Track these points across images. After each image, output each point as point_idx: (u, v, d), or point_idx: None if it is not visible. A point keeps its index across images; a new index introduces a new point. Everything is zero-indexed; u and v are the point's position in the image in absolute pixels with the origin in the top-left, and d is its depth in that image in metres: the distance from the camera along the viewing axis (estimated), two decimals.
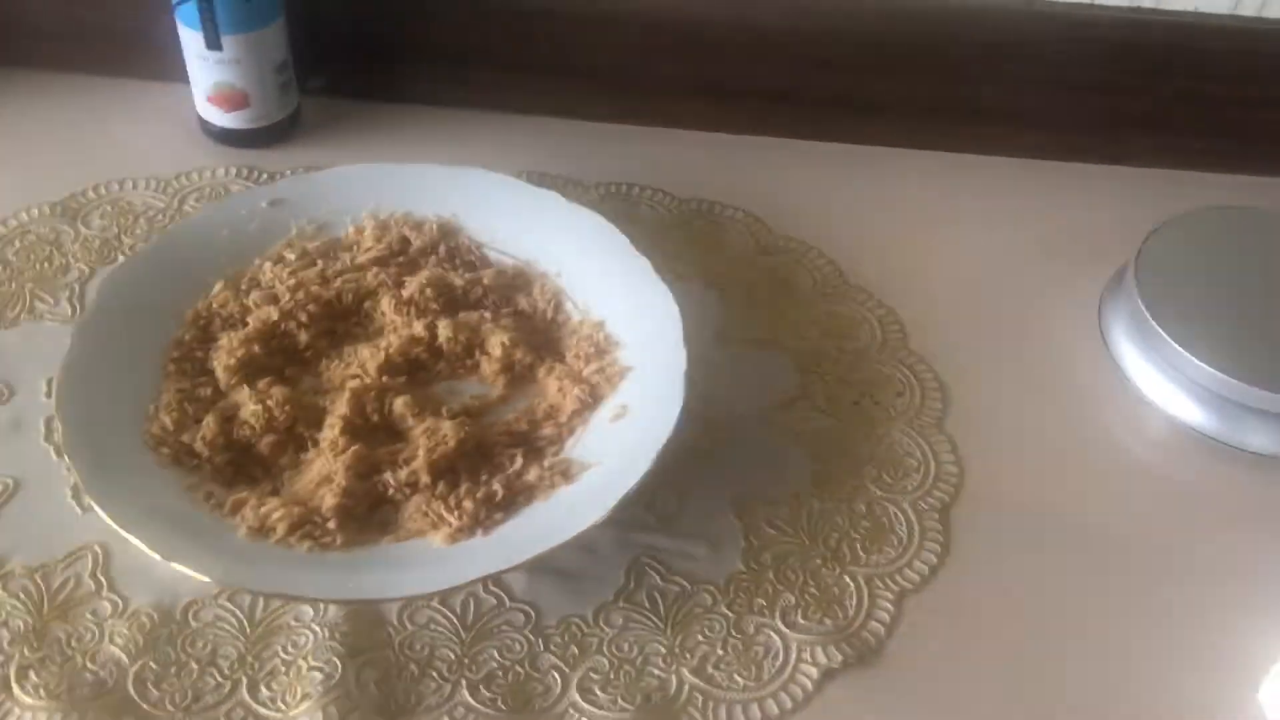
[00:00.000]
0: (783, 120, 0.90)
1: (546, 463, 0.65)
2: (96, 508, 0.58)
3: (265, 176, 0.84)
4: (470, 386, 0.71)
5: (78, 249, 0.78)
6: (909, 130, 0.90)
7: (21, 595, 0.60)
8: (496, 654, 0.60)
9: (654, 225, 0.83)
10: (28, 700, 0.56)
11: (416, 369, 0.70)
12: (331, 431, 0.64)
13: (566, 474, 0.64)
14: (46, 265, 0.76)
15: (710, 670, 0.60)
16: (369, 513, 0.62)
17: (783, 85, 0.89)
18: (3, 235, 0.78)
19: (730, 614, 0.62)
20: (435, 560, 0.60)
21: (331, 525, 0.60)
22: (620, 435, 0.66)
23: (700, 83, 0.89)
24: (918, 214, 0.87)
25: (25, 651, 0.58)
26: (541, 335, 0.73)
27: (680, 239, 0.83)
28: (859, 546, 0.66)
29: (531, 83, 0.91)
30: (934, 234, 0.85)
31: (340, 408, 0.66)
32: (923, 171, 0.90)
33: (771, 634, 0.61)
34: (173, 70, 0.86)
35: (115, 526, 0.57)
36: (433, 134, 0.90)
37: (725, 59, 0.88)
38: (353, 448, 0.63)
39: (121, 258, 0.77)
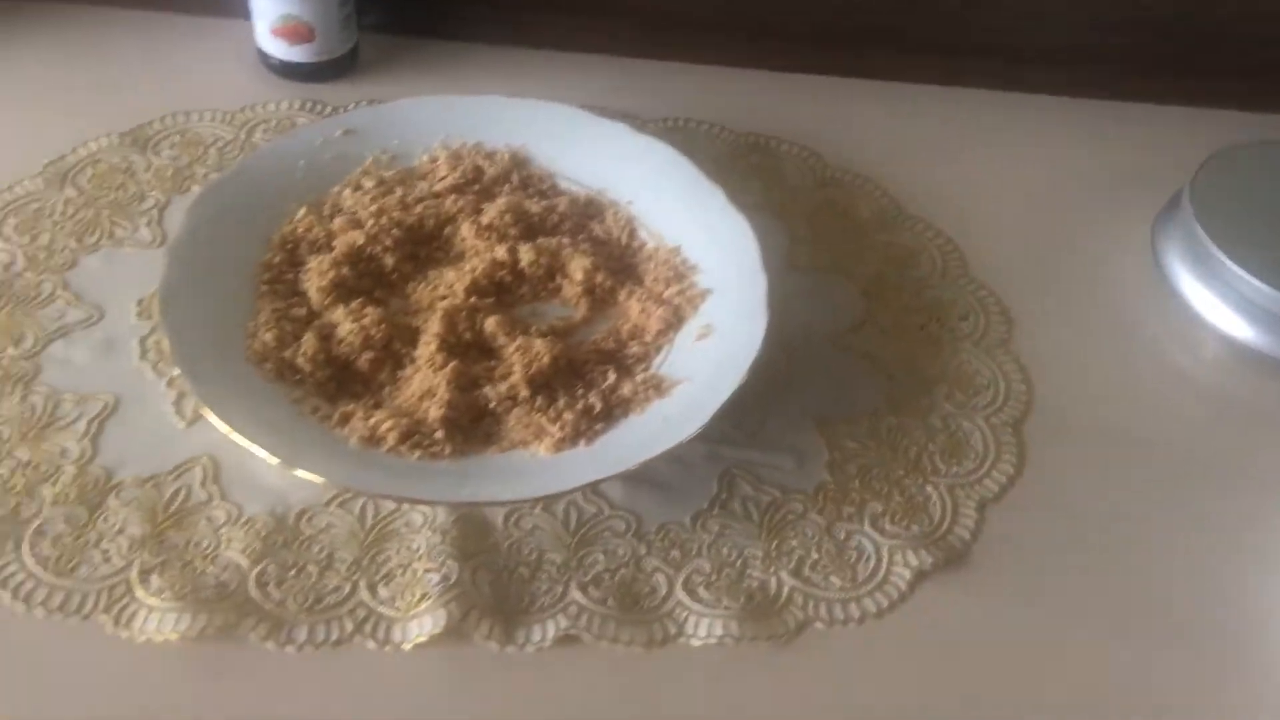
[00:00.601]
0: (832, 58, 0.92)
1: (639, 378, 0.67)
2: (213, 418, 0.59)
3: (329, 110, 0.85)
4: (553, 309, 0.72)
5: (150, 178, 0.78)
6: (956, 68, 0.92)
7: (135, 504, 0.61)
8: (602, 557, 0.62)
9: (713, 158, 0.85)
10: (153, 601, 0.57)
11: (501, 291, 0.72)
12: (428, 348, 0.66)
13: (659, 388, 0.66)
14: (121, 193, 0.77)
15: (807, 572, 0.62)
16: (472, 425, 0.64)
17: (830, 22, 0.91)
18: (74, 163, 0.78)
19: (821, 520, 0.64)
20: (542, 469, 0.62)
21: (439, 435, 0.62)
22: (707, 353, 0.68)
23: (751, 21, 0.91)
24: (969, 149, 0.89)
25: (145, 556, 0.59)
26: (618, 260, 0.75)
27: (740, 171, 0.85)
28: (937, 459, 0.68)
29: (583, 21, 0.92)
30: (986, 168, 0.88)
31: (434, 326, 0.67)
32: (971, 109, 0.93)
33: (862, 539, 0.64)
34: (229, 5, 0.87)
35: (234, 435, 0.58)
36: (486, 71, 0.91)
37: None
38: (452, 363, 0.65)
39: (195, 186, 0.78)
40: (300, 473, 0.58)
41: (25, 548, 0.58)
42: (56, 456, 0.62)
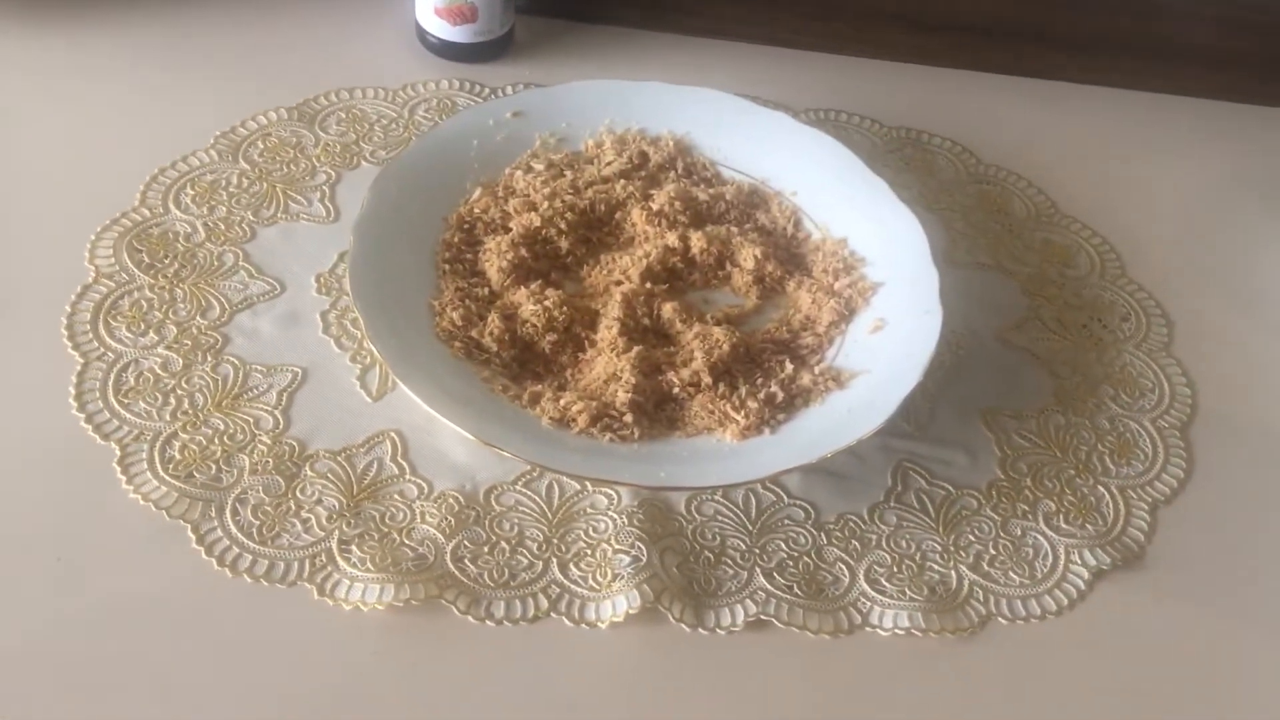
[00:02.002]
0: (984, 54, 0.92)
1: (817, 369, 0.67)
2: (413, 396, 0.60)
3: (488, 91, 0.86)
4: (723, 296, 0.73)
5: (320, 153, 0.80)
6: (1112, 66, 0.92)
7: (330, 476, 0.62)
8: (784, 545, 0.62)
9: (866, 150, 0.85)
10: (355, 572, 0.58)
11: (673, 277, 0.72)
12: (609, 332, 0.67)
13: (838, 380, 0.67)
14: (293, 167, 0.78)
15: (986, 567, 0.63)
16: (656, 409, 0.65)
17: (984, 19, 0.91)
18: (246, 136, 0.80)
19: (996, 516, 0.65)
20: (731, 455, 0.63)
21: (628, 419, 0.63)
22: (882, 346, 0.68)
23: (904, 14, 0.91)
24: (1123, 149, 0.89)
25: (344, 527, 0.60)
26: (784, 250, 0.75)
27: (894, 164, 0.85)
28: (1107, 459, 0.69)
29: (735, 9, 0.92)
30: (1139, 169, 0.88)
31: (613, 310, 0.68)
32: (1126, 109, 0.92)
33: (1038, 536, 0.64)
34: None
35: (434, 413, 0.60)
36: (635, 56, 0.91)
37: None
38: (635, 348, 0.66)
39: (364, 162, 0.79)
40: (501, 451, 0.59)
41: (228, 515, 0.60)
42: (251, 426, 0.64)
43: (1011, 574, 0.63)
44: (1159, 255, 0.81)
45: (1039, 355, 0.74)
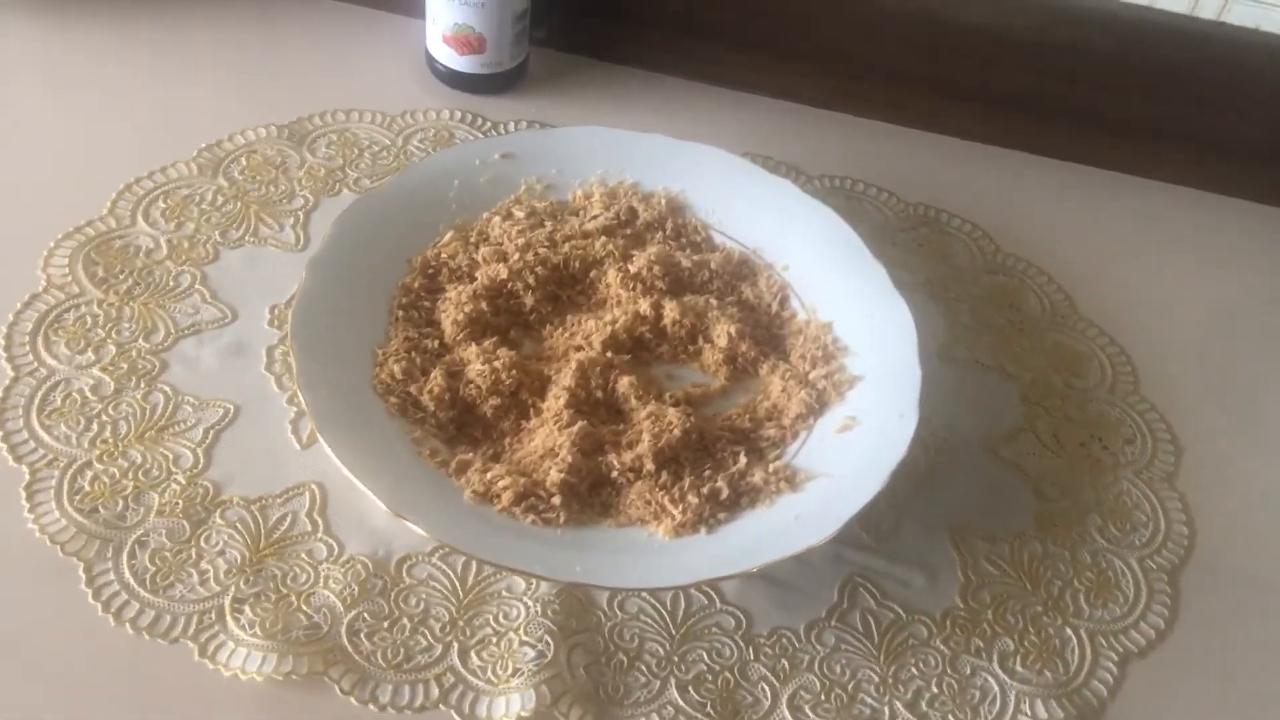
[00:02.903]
0: (1018, 131, 0.86)
1: (771, 467, 0.63)
2: (330, 453, 0.57)
3: (489, 125, 0.83)
4: (689, 373, 0.69)
5: (303, 176, 0.77)
6: (1152, 158, 0.86)
7: (239, 526, 0.59)
8: (706, 656, 0.58)
9: (878, 226, 0.80)
10: (242, 635, 0.55)
11: (639, 348, 0.68)
12: (556, 403, 0.63)
13: (792, 481, 0.62)
14: (272, 188, 0.76)
15: (924, 707, 0.58)
16: (590, 492, 0.61)
17: (1022, 93, 0.85)
18: (230, 152, 0.77)
19: (946, 650, 0.60)
20: (657, 551, 0.58)
21: (556, 501, 0.59)
22: (847, 448, 0.63)
23: (935, 80, 0.86)
24: (1155, 248, 0.83)
25: (241, 585, 0.57)
26: (765, 329, 0.71)
27: (905, 244, 0.80)
28: (1082, 598, 0.63)
29: (758, 61, 0.88)
30: (1171, 272, 0.81)
31: (565, 379, 0.64)
32: (1163, 203, 0.86)
33: (989, 678, 0.59)
34: (407, 2, 0.85)
35: (348, 474, 0.56)
36: (652, 101, 0.87)
37: (964, 58, 0.84)
38: (579, 424, 0.62)
39: (346, 190, 0.77)
40: (407, 524, 0.55)
41: (124, 557, 0.57)
42: (169, 462, 0.61)
43: (951, 718, 0.57)
44: (1178, 373, 0.74)
45: (1027, 472, 0.68)
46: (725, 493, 0.61)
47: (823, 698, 0.57)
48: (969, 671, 0.59)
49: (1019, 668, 0.59)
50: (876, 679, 0.58)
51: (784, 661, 0.58)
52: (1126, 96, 0.83)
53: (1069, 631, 0.61)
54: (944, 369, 0.72)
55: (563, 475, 0.60)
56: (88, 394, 0.63)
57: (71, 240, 0.70)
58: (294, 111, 0.81)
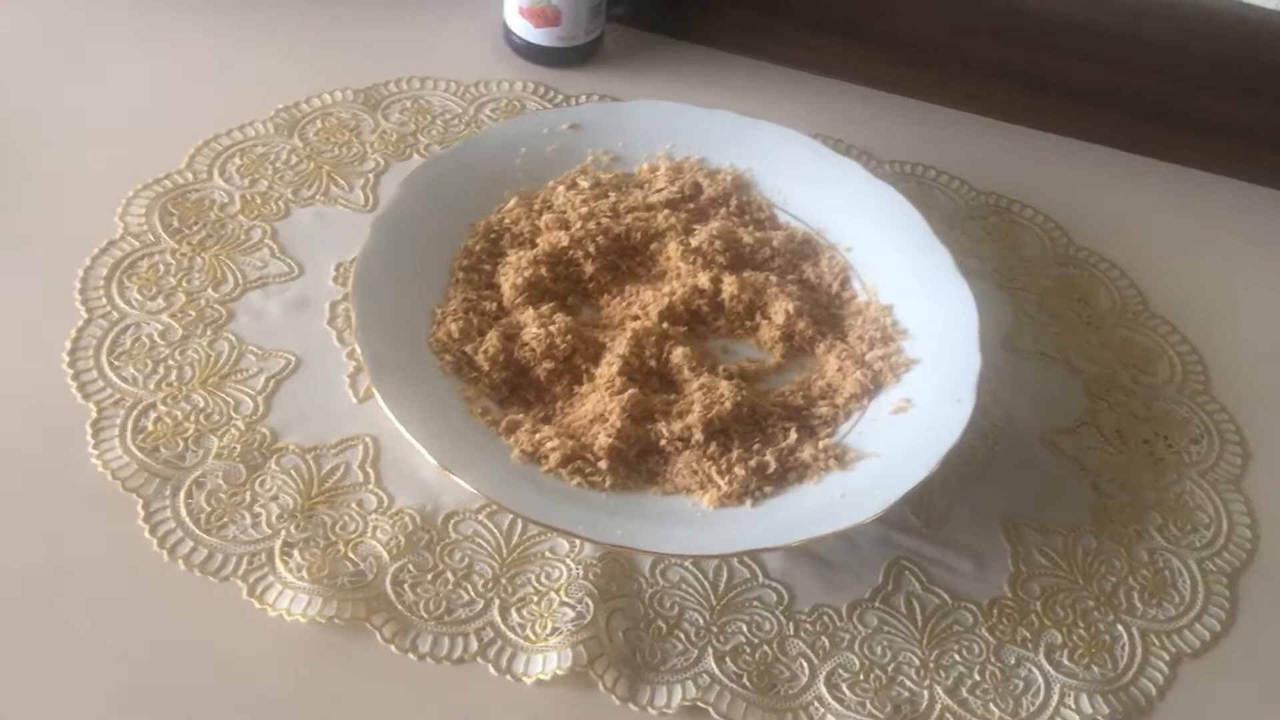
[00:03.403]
0: (1099, 124, 0.84)
1: (821, 444, 0.62)
2: (384, 406, 0.58)
3: (561, 98, 0.83)
4: (745, 348, 0.68)
5: (375, 140, 0.78)
6: (1234, 157, 0.83)
7: (293, 473, 0.60)
8: (745, 628, 0.58)
9: (949, 213, 0.79)
10: (289, 578, 0.56)
11: (696, 321, 0.68)
12: (609, 369, 0.63)
13: (841, 459, 0.61)
14: (345, 150, 0.77)
15: (964, 694, 0.57)
16: (638, 459, 0.61)
17: (1105, 88, 0.83)
18: (307, 113, 0.79)
19: (991, 639, 0.59)
20: (701, 521, 0.58)
21: (602, 465, 0.59)
22: (900, 429, 0.63)
23: (1015, 70, 0.84)
24: (1231, 249, 0.81)
25: (292, 530, 0.58)
26: (824, 309, 0.70)
27: (975, 232, 0.79)
28: (1136, 596, 0.61)
29: (834, 44, 0.87)
30: (1248, 272, 0.79)
31: (620, 347, 0.64)
32: (1243, 204, 0.83)
33: (1033, 669, 0.58)
34: None
35: (400, 428, 0.57)
36: (726, 80, 0.87)
37: (1048, 50, 0.83)
38: (630, 391, 0.62)
39: (417, 155, 0.77)
40: (453, 478, 0.56)
41: (181, 496, 0.59)
42: (230, 409, 0.62)
43: (992, 706, 0.56)
44: (1251, 374, 0.72)
45: (1086, 467, 0.66)
46: (773, 467, 0.60)
47: (861, 677, 0.57)
48: (1013, 661, 0.58)
49: (1065, 661, 0.58)
50: (917, 662, 0.57)
51: (824, 639, 0.58)
52: (1210, 93, 0.81)
53: (1120, 628, 0.60)
54: (1007, 358, 0.71)
55: (611, 440, 0.60)
56: (156, 339, 0.65)
57: (149, 191, 0.72)
58: (371, 77, 0.82)
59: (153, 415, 0.61)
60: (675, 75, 0.87)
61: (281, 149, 0.76)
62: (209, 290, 0.67)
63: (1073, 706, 0.57)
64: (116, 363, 0.63)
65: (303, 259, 0.70)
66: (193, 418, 0.62)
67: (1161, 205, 0.82)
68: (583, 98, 0.83)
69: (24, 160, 0.72)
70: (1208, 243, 0.80)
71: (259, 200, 0.73)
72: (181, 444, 0.61)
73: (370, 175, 0.76)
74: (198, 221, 0.71)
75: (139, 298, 0.66)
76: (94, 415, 0.61)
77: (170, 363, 0.64)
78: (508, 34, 0.85)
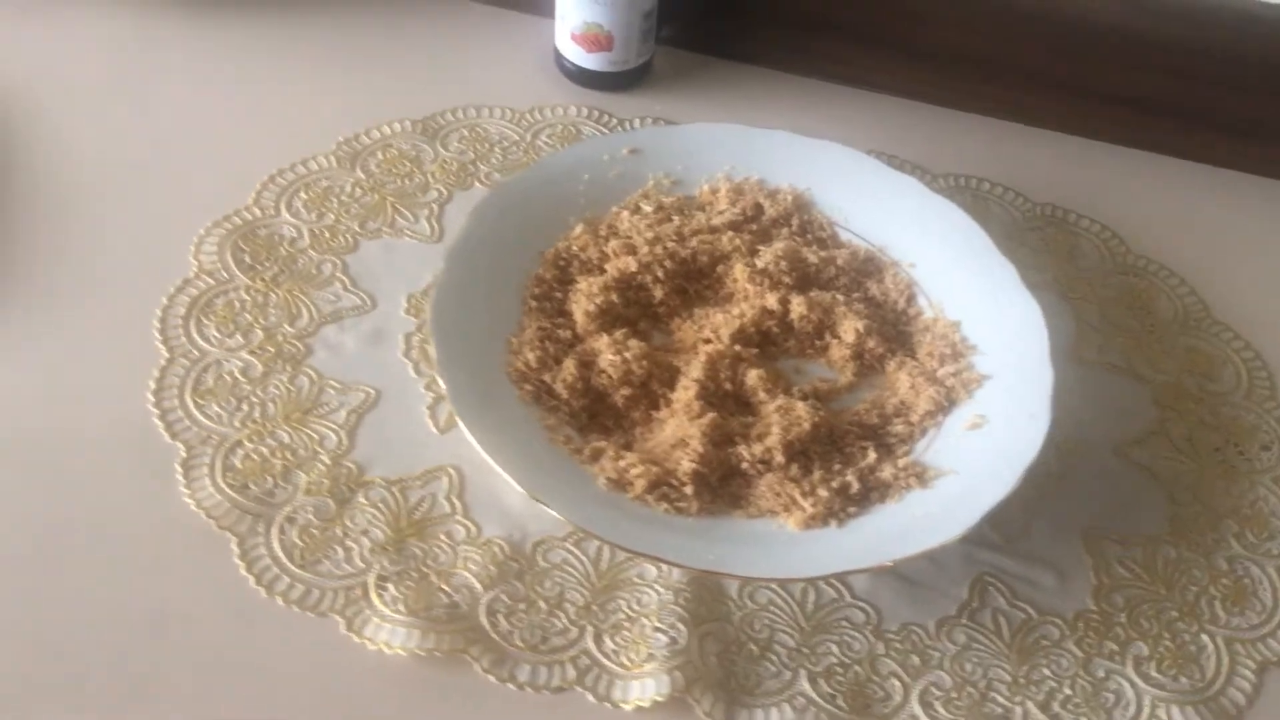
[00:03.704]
0: (1152, 132, 0.85)
1: (900, 462, 0.63)
2: (470, 438, 0.58)
3: (615, 121, 0.84)
4: (816, 368, 0.69)
5: (436, 169, 0.79)
6: None
7: (381, 506, 0.61)
8: (836, 649, 0.58)
9: (1005, 225, 0.80)
10: (386, 611, 0.57)
11: (766, 342, 0.69)
12: (686, 394, 0.64)
13: (921, 478, 0.62)
14: (407, 181, 0.78)
15: (1056, 708, 0.57)
16: (720, 483, 0.62)
17: (1158, 96, 0.83)
18: (367, 145, 0.80)
19: (1079, 652, 0.59)
20: (788, 543, 0.59)
21: (688, 491, 0.60)
22: (977, 446, 0.63)
23: (1066, 81, 0.85)
24: None
25: (384, 563, 0.59)
26: (892, 326, 0.71)
27: (1032, 244, 0.79)
28: (1218, 605, 0.62)
29: (881, 59, 0.88)
30: None
31: (694, 371, 0.65)
32: None
33: (1123, 682, 0.58)
34: (537, 2, 0.87)
35: (487, 458, 0.58)
36: (776, 99, 0.88)
37: (1098, 60, 0.83)
38: (709, 415, 0.62)
39: (478, 184, 0.78)
40: (543, 508, 0.56)
41: (274, 532, 0.59)
42: (315, 443, 0.63)
43: None
44: None
45: (1159, 476, 0.67)
46: (855, 487, 0.61)
47: (954, 695, 0.57)
48: (1102, 675, 0.59)
49: (1154, 673, 0.59)
50: (1008, 678, 0.58)
51: (915, 657, 0.58)
52: (1264, 97, 0.81)
53: (1205, 638, 0.60)
54: (1073, 369, 0.71)
55: (694, 465, 0.60)
56: (238, 376, 0.66)
57: (220, 229, 0.73)
58: (427, 107, 0.83)
59: (240, 453, 0.62)
60: (725, 95, 0.87)
61: (345, 182, 0.77)
62: (285, 326, 0.68)
63: (1165, 718, 0.57)
64: (201, 401, 0.64)
65: (374, 291, 0.71)
66: (279, 454, 0.63)
67: (1218, 211, 0.83)
68: (637, 121, 0.84)
69: (95, 204, 0.73)
70: (1266, 248, 0.81)
71: (327, 234, 0.74)
72: (270, 480, 0.61)
73: (434, 205, 0.77)
74: (269, 257, 0.72)
75: (217, 335, 0.67)
76: (183, 454, 0.62)
77: (253, 399, 0.65)
78: (559, 59, 0.86)
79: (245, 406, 0.64)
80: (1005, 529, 0.63)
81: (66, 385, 0.64)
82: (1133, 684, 0.58)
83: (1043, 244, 0.79)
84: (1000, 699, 0.57)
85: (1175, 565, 0.63)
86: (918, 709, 0.56)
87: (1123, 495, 0.66)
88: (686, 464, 0.60)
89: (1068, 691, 0.58)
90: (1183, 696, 0.58)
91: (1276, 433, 0.70)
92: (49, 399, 0.63)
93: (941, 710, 0.56)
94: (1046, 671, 0.58)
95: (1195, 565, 0.63)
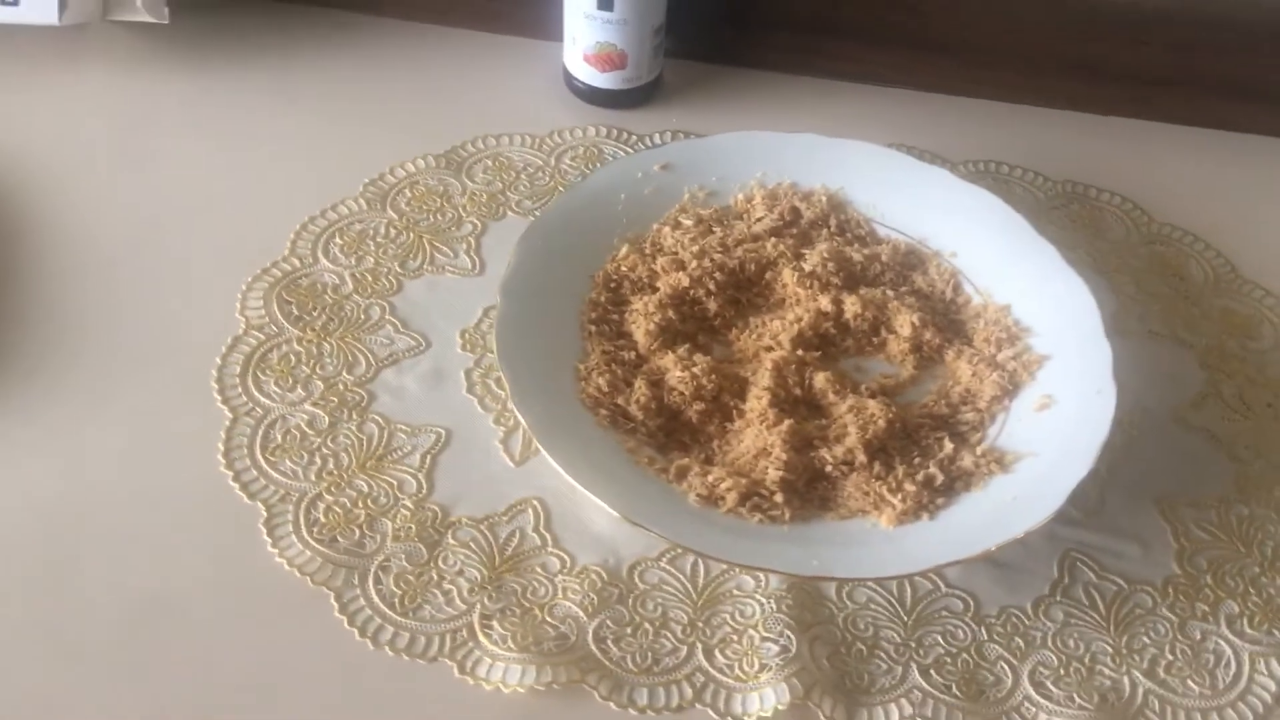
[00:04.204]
0: (1162, 103, 0.87)
1: (978, 450, 0.64)
2: (558, 468, 0.59)
3: (635, 138, 0.84)
4: (876, 364, 0.70)
5: (466, 202, 0.79)
6: None
7: (472, 545, 0.61)
8: (941, 639, 0.59)
9: (1029, 206, 0.81)
10: (496, 650, 0.57)
11: (825, 344, 0.70)
12: (759, 403, 0.64)
13: (1001, 463, 0.63)
14: (439, 216, 0.78)
15: (1162, 674, 0.58)
16: (807, 488, 0.62)
17: (1164, 68, 0.85)
18: (394, 184, 0.79)
19: (1173, 617, 0.60)
20: (885, 541, 0.60)
21: (779, 499, 0.60)
22: (1049, 426, 0.64)
23: (1074, 60, 0.86)
24: None
25: (485, 601, 0.59)
26: (943, 316, 0.72)
27: (1058, 222, 0.80)
28: None
29: (889, 54, 0.89)
30: None
31: (763, 379, 0.65)
32: None
33: (1220, 641, 0.60)
34: (540, 26, 0.87)
35: (579, 487, 0.58)
36: (787, 102, 0.89)
37: (1103, 37, 0.85)
38: (786, 422, 0.63)
39: (510, 213, 0.78)
40: (650, 531, 0.57)
41: (370, 582, 0.59)
42: (394, 489, 0.63)
43: (1190, 683, 0.58)
44: None
45: (1219, 437, 0.68)
46: (939, 478, 0.62)
47: (1062, 672, 0.58)
48: (1199, 636, 0.60)
49: (1247, 629, 0.60)
50: (1111, 650, 0.59)
51: (1018, 639, 0.59)
52: (1264, 61, 0.84)
53: None
54: (1119, 341, 0.72)
55: (781, 473, 0.61)
56: (305, 429, 0.65)
57: (261, 282, 0.72)
58: (447, 141, 0.82)
59: (321, 506, 0.62)
60: (737, 102, 0.88)
61: (378, 223, 0.77)
62: (344, 374, 0.68)
63: (1265, 672, 0.59)
64: (272, 458, 0.64)
65: (426, 330, 0.71)
66: (361, 503, 0.62)
67: (1234, 174, 0.85)
68: (657, 136, 0.84)
69: (135, 272, 0.72)
70: None
71: (369, 277, 0.73)
72: (357, 531, 0.61)
73: (470, 239, 0.76)
74: (315, 306, 0.71)
75: (277, 390, 0.67)
76: (265, 514, 0.61)
77: (324, 451, 0.64)
78: (570, 80, 0.86)
79: (318, 459, 0.64)
80: (1082, 504, 0.64)
81: (136, 459, 0.63)
82: (1229, 642, 0.60)
83: (1069, 221, 0.81)
84: (1107, 671, 0.58)
85: (1249, 522, 0.65)
86: (1030, 690, 0.57)
87: (1186, 459, 0.68)
88: (774, 473, 0.61)
89: (1170, 657, 0.59)
90: (1279, 649, 0.59)
91: None
92: (121, 476, 0.62)
93: (1053, 689, 0.57)
94: (1146, 639, 0.59)
95: (1268, 520, 0.65)
